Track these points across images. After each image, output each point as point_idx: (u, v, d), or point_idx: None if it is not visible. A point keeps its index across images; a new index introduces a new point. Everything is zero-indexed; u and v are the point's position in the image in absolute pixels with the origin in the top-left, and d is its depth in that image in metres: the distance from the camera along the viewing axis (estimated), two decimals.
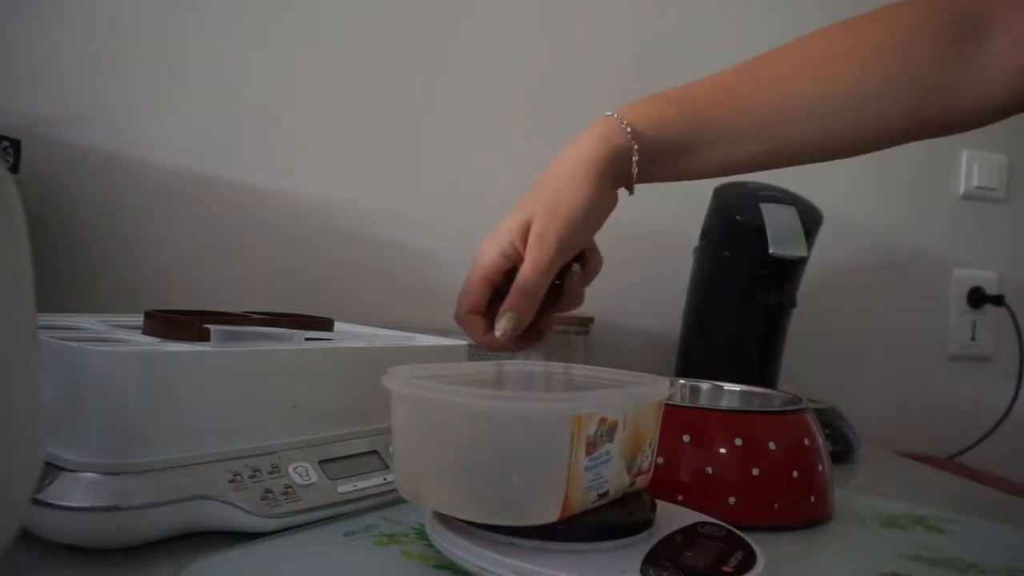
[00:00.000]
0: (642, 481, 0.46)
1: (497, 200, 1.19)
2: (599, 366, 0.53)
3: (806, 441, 0.59)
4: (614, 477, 0.42)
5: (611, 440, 0.41)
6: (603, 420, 0.40)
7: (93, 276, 1.01)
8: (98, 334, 0.54)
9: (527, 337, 0.60)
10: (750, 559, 0.40)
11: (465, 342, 0.67)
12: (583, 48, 1.21)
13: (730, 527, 0.45)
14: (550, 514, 0.38)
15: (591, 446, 0.39)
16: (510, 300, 0.56)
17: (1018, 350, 1.27)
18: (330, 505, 0.49)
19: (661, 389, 0.46)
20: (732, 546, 0.42)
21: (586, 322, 1.09)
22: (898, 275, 1.34)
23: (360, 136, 1.12)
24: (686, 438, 0.56)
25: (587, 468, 0.39)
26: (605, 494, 0.41)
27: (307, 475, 0.50)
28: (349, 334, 0.67)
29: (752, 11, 1.26)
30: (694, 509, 0.48)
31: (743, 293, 1.04)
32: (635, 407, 0.43)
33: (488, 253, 0.59)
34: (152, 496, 0.42)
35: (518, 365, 0.55)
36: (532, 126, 1.19)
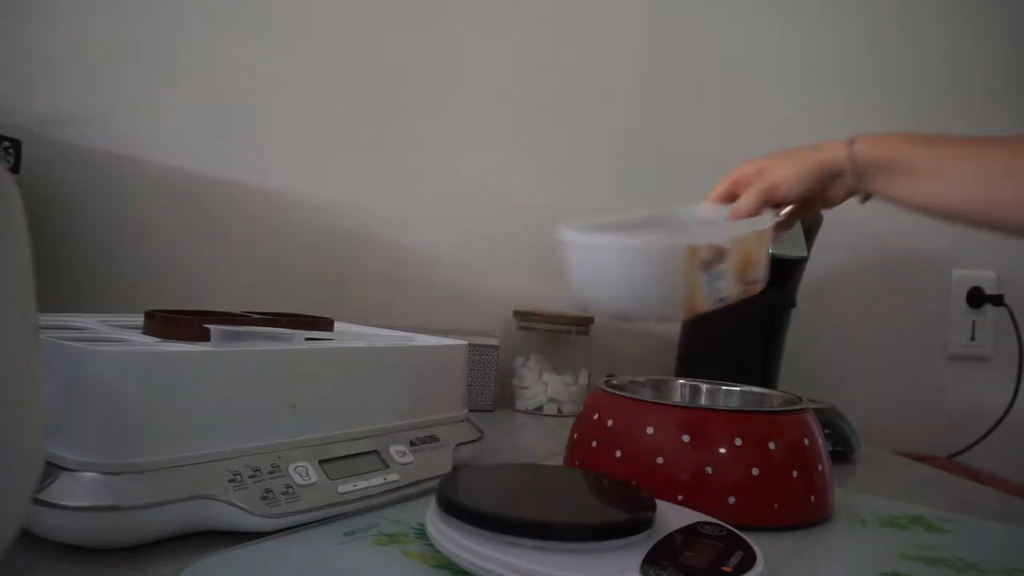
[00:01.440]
0: (752, 289, 0.60)
1: (497, 200, 1.19)
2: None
3: (806, 441, 0.59)
4: (730, 287, 0.56)
5: (722, 262, 0.55)
6: (714, 248, 0.54)
7: (93, 276, 1.01)
8: (98, 334, 0.54)
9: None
10: (750, 559, 0.40)
11: (465, 342, 0.67)
12: (584, 48, 1.20)
13: (730, 527, 0.45)
14: (678, 314, 0.55)
15: (707, 264, 0.54)
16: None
17: (1017, 350, 1.27)
18: (330, 505, 0.49)
19: (762, 220, 0.63)
20: (732, 546, 0.42)
21: (586, 322, 1.09)
22: (898, 275, 1.34)
23: (360, 136, 1.12)
24: (686, 438, 0.56)
25: (705, 282, 0.54)
26: (723, 299, 0.57)
27: (307, 475, 0.50)
28: (349, 334, 0.67)
29: (759, 11, 1.26)
30: (694, 509, 0.48)
31: None
32: (739, 238, 0.57)
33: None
34: (152, 496, 0.42)
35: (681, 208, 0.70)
36: (532, 127, 1.19)
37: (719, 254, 0.55)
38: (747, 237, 0.58)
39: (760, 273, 0.61)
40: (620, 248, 0.54)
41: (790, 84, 1.28)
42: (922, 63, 1.33)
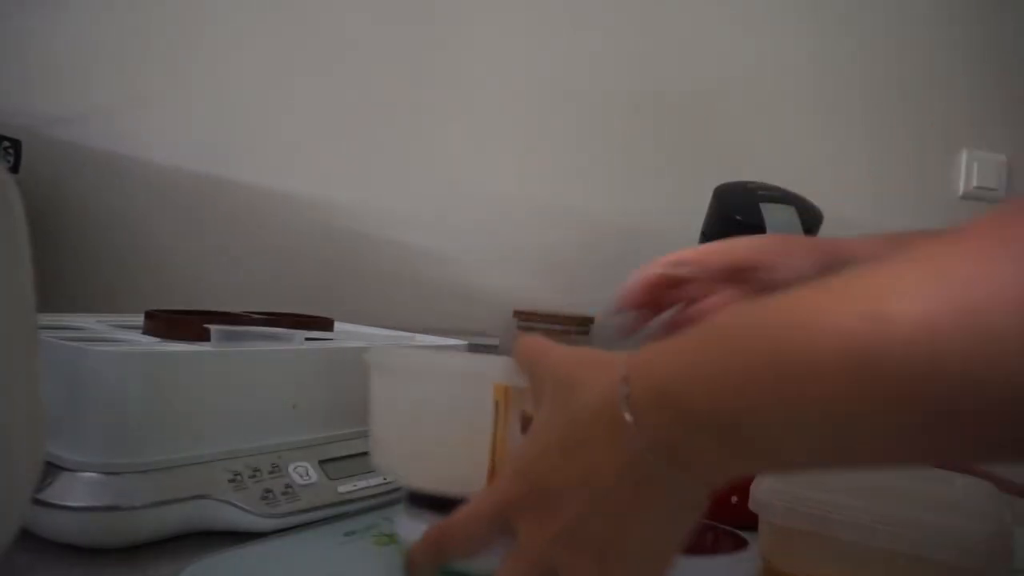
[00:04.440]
0: None
1: (498, 200, 1.19)
2: None
3: None
4: None
5: None
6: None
7: (93, 276, 1.01)
8: (98, 334, 0.54)
9: None
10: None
11: (464, 342, 0.67)
12: (585, 48, 1.20)
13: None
14: (474, 485, 0.36)
15: (530, 421, 0.35)
16: None
17: None
18: (330, 505, 0.49)
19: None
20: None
21: (586, 322, 1.09)
22: None
23: (360, 136, 1.12)
24: None
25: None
26: None
27: (307, 475, 0.50)
28: (349, 334, 0.67)
29: (759, 12, 1.26)
30: None
31: None
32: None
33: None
34: (152, 496, 0.42)
35: None
36: (533, 127, 1.19)
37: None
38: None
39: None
40: (415, 372, 0.40)
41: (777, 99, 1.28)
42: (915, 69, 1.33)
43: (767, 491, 0.40)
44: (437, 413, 0.37)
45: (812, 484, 0.40)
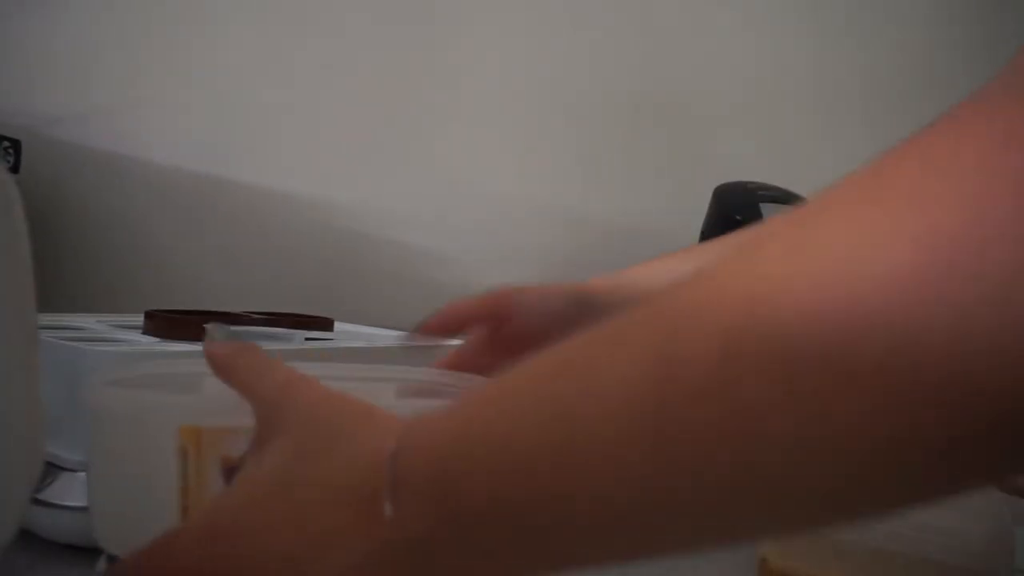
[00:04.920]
0: None
1: (498, 200, 1.19)
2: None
3: None
4: None
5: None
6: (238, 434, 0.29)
7: (93, 276, 1.01)
8: (98, 334, 0.54)
9: None
10: None
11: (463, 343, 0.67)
12: (585, 49, 1.20)
13: None
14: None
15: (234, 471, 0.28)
16: None
17: None
18: None
19: (414, 409, 0.30)
20: None
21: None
22: None
23: (360, 136, 1.12)
24: None
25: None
26: None
27: None
28: (349, 334, 0.67)
29: (759, 12, 1.26)
30: None
31: None
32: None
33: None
34: None
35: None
36: (533, 127, 1.19)
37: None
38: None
39: None
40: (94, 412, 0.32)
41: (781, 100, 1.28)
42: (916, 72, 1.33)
43: None
44: (112, 464, 0.30)
45: None
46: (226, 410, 0.29)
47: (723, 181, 1.10)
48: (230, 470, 0.28)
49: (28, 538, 0.42)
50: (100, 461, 0.30)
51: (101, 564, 0.32)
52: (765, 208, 1.00)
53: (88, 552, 0.42)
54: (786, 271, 0.17)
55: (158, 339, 0.53)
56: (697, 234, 1.11)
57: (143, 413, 0.29)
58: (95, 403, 0.30)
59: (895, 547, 0.35)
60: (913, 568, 0.36)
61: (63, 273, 0.99)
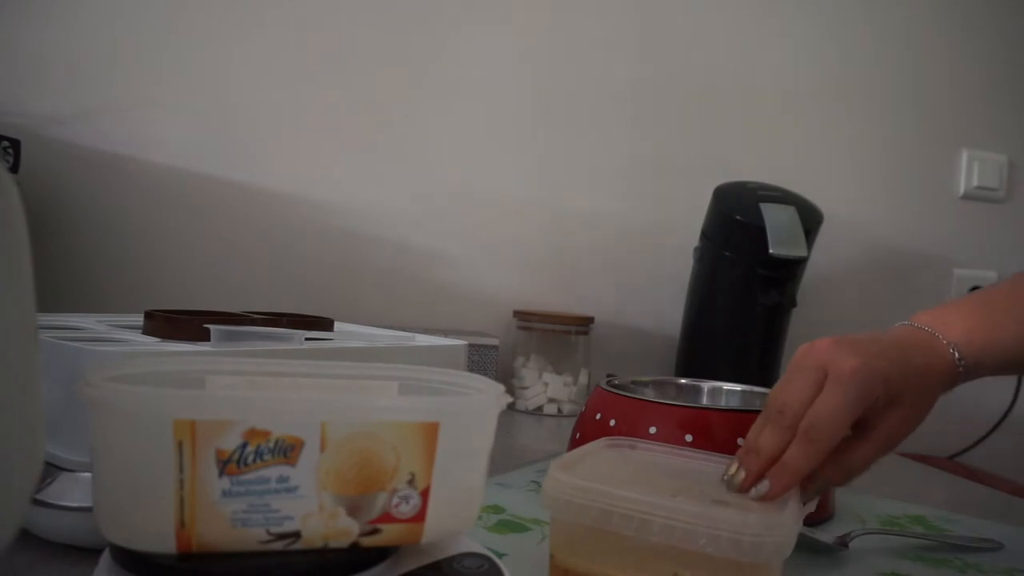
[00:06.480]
0: (394, 534, 0.32)
1: (498, 200, 1.19)
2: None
3: None
4: (305, 514, 0.31)
5: (289, 461, 0.30)
6: (255, 433, 0.30)
7: (93, 276, 1.01)
8: (98, 334, 0.53)
9: None
10: None
11: (464, 342, 0.67)
12: (585, 48, 1.20)
13: (494, 559, 0.36)
14: (163, 542, 0.30)
15: (233, 464, 0.30)
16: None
17: None
18: None
19: (418, 406, 0.33)
20: None
21: (586, 322, 1.09)
22: (898, 275, 1.34)
23: (360, 136, 1.12)
24: (689, 437, 0.56)
25: (228, 493, 0.30)
26: (290, 535, 0.31)
27: None
28: (349, 334, 0.67)
29: (760, 12, 1.26)
30: None
31: (743, 293, 1.04)
32: (346, 425, 0.31)
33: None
34: None
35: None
36: (533, 126, 1.19)
37: (274, 443, 0.30)
38: (366, 432, 0.32)
39: (409, 506, 0.33)
40: (94, 405, 0.30)
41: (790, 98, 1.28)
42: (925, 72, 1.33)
43: (552, 485, 0.38)
44: (111, 457, 0.30)
45: (595, 476, 0.39)
46: (221, 404, 0.30)
47: (723, 181, 1.10)
48: (231, 463, 0.30)
49: (28, 538, 0.42)
50: (101, 454, 0.30)
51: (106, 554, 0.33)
52: (765, 208, 1.00)
53: (88, 552, 0.42)
54: None
55: (158, 339, 0.53)
56: (697, 234, 1.11)
57: (140, 407, 0.29)
58: (94, 398, 0.30)
59: (669, 541, 0.35)
60: (687, 560, 0.36)
61: (63, 273, 0.99)
